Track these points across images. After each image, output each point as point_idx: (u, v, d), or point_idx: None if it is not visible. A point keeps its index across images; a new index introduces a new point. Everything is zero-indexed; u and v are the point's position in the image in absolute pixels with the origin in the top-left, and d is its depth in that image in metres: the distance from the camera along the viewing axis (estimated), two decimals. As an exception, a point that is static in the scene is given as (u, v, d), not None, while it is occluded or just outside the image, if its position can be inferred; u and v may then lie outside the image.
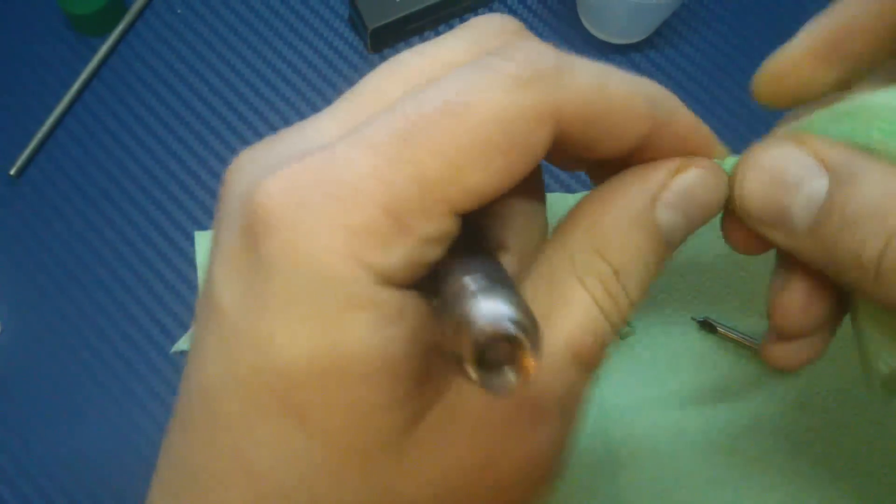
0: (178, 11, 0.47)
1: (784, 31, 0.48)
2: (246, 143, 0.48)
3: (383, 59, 0.48)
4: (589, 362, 0.20)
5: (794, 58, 0.24)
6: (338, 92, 0.49)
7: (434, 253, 0.18)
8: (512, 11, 0.48)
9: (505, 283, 0.17)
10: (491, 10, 0.48)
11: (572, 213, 0.21)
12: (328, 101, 0.49)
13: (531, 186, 0.22)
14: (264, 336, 0.17)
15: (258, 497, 0.18)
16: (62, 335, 0.41)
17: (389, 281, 0.18)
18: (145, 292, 0.42)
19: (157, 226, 0.43)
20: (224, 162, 0.45)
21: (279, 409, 0.17)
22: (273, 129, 0.45)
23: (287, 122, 0.45)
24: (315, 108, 0.46)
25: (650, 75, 0.48)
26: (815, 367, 0.39)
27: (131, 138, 0.45)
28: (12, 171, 0.43)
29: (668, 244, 0.21)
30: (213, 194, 0.44)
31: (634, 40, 0.47)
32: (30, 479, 0.39)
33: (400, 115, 0.18)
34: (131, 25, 0.47)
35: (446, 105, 0.17)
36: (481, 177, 0.18)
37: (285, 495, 0.18)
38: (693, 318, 0.41)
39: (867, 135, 0.19)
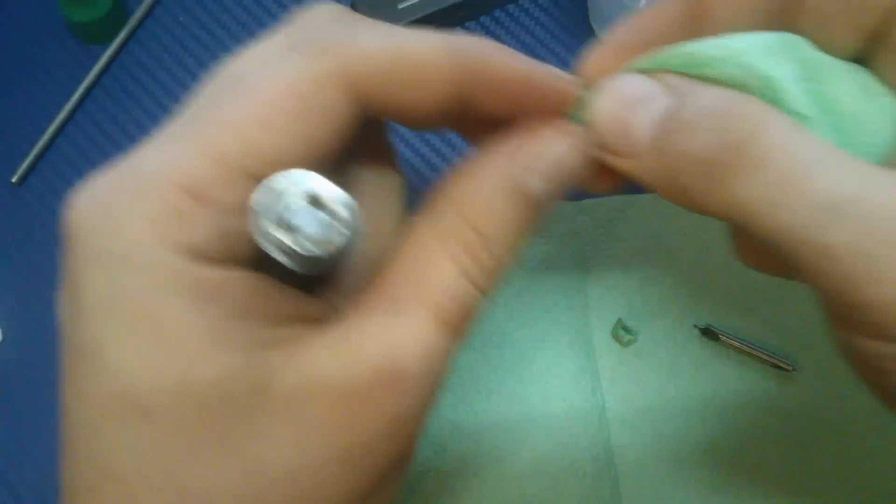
0: (180, 19, 0.47)
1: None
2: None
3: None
4: (454, 327, 0.20)
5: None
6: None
7: (243, 221, 0.19)
8: (517, 19, 0.48)
9: None
10: (494, 18, 0.48)
11: (441, 187, 0.22)
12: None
13: (377, 154, 0.24)
14: (89, 343, 0.18)
15: (131, 498, 0.18)
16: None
17: (203, 257, 0.18)
18: (146, 300, 0.42)
19: (159, 233, 0.43)
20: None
21: (121, 409, 0.18)
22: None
23: (288, 130, 0.46)
24: (316, 116, 0.46)
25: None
26: (817, 375, 0.39)
27: (132, 145, 0.45)
28: (14, 179, 0.43)
29: (535, 207, 0.22)
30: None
31: (636, 48, 0.47)
32: (31, 486, 0.39)
33: (193, 103, 0.20)
34: (133, 33, 0.47)
35: (232, 82, 0.19)
36: (277, 142, 0.19)
37: (155, 490, 0.18)
38: (695, 326, 0.40)
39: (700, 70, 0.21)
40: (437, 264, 0.20)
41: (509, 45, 0.47)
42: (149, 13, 0.47)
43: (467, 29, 0.48)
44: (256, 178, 0.18)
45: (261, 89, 0.19)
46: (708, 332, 0.40)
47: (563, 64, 0.47)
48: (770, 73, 0.21)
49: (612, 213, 0.43)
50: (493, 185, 0.21)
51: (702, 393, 0.40)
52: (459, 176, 0.22)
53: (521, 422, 0.39)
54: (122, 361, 0.18)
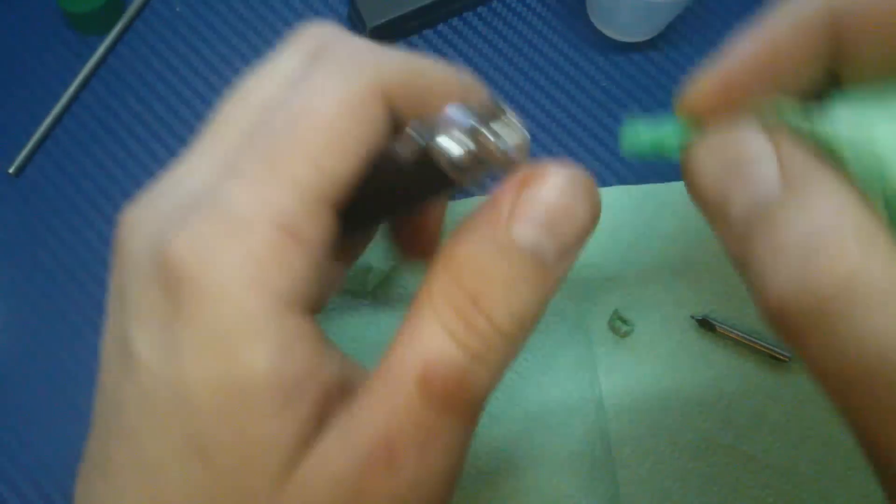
0: (177, 10, 0.47)
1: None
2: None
3: (382, 57, 0.48)
4: (447, 403, 0.18)
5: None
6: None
7: (324, 259, 0.19)
8: (515, 10, 0.48)
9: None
10: (491, 9, 0.48)
11: (440, 248, 0.20)
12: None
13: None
14: (177, 378, 0.18)
15: None
16: (61, 334, 0.41)
17: (292, 301, 0.19)
18: (144, 291, 0.42)
19: (157, 224, 0.43)
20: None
21: (189, 448, 0.18)
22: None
23: (286, 121, 0.46)
24: (314, 107, 0.46)
25: (652, 75, 0.48)
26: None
27: (130, 137, 0.45)
28: (11, 170, 0.43)
29: (543, 264, 0.19)
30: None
31: (641, 39, 0.47)
32: (29, 479, 0.39)
33: (260, 139, 0.19)
34: (130, 24, 0.47)
35: (294, 116, 0.19)
36: (342, 162, 0.19)
37: None
38: (692, 317, 0.41)
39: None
40: (425, 330, 0.19)
41: (507, 35, 0.48)
42: (146, 4, 0.47)
43: (465, 20, 0.48)
44: (334, 205, 0.19)
45: (319, 113, 0.19)
46: (704, 323, 0.40)
47: (561, 54, 0.47)
48: None
49: (609, 202, 0.43)
50: (483, 241, 0.19)
51: (699, 383, 0.40)
52: (456, 234, 0.20)
53: (519, 413, 0.39)
54: (199, 402, 0.18)
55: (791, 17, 0.18)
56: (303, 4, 0.48)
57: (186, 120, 0.45)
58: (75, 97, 0.45)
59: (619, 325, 0.40)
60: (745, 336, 0.39)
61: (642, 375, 0.40)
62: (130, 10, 0.46)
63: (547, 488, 0.38)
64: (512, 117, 0.20)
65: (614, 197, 0.44)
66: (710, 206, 0.19)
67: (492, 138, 0.19)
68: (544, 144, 0.46)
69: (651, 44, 0.48)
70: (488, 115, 0.20)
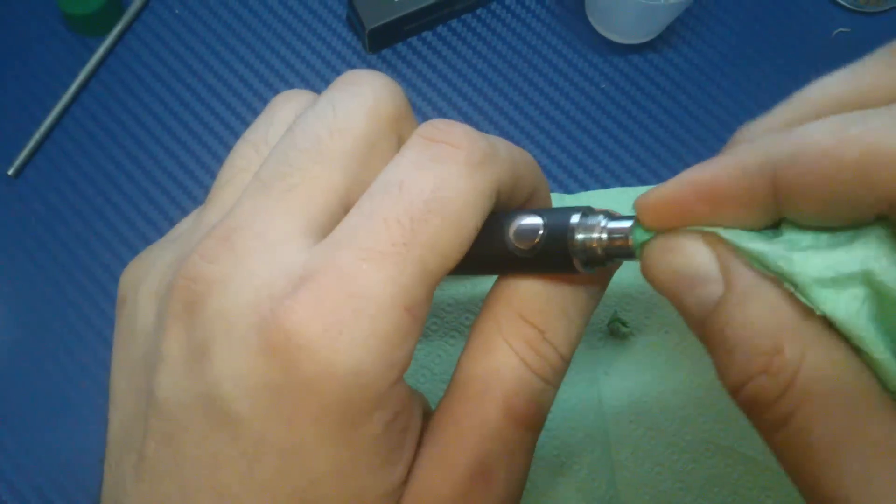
0: (176, 12, 0.47)
1: (786, 37, 0.48)
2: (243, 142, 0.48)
3: (381, 59, 0.48)
4: (527, 422, 0.22)
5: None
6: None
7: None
8: (514, 12, 0.48)
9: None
10: (490, 10, 0.48)
11: (495, 286, 0.23)
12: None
13: None
14: (295, 446, 0.19)
15: None
16: (60, 335, 0.41)
17: (404, 368, 0.20)
18: (143, 293, 0.42)
19: (155, 226, 0.43)
20: (221, 162, 0.45)
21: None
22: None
23: (285, 123, 0.46)
24: (313, 109, 0.46)
25: (651, 77, 0.48)
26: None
27: (129, 139, 0.45)
28: (10, 172, 0.43)
29: (595, 297, 0.24)
30: (212, 195, 0.44)
31: (639, 41, 0.48)
32: (28, 480, 0.39)
33: (392, 220, 0.20)
34: (129, 26, 0.47)
35: (428, 205, 0.20)
36: (459, 253, 0.21)
37: None
38: (691, 319, 0.41)
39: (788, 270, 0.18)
40: (502, 361, 0.22)
41: (506, 37, 0.48)
42: (145, 6, 0.47)
43: (464, 22, 0.48)
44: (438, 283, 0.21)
45: (453, 209, 0.20)
46: (704, 325, 0.40)
47: (560, 56, 0.47)
48: (829, 309, 0.17)
49: (607, 203, 0.43)
50: (546, 280, 0.22)
51: (698, 384, 0.40)
52: (517, 274, 0.23)
53: (518, 414, 0.39)
54: (317, 473, 0.19)
55: (734, 165, 0.19)
56: (301, 6, 0.48)
57: (185, 121, 0.45)
58: (74, 99, 0.45)
59: (619, 328, 0.40)
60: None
61: (641, 377, 0.40)
62: (129, 12, 0.46)
63: (546, 490, 0.38)
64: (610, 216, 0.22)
65: (613, 198, 0.44)
66: (666, 296, 0.21)
67: (623, 234, 0.21)
68: (543, 146, 0.46)
69: (650, 46, 0.48)
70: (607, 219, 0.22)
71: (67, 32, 0.47)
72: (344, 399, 0.19)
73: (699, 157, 0.46)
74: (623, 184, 0.45)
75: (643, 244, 0.21)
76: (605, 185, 0.45)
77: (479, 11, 0.48)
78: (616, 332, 0.40)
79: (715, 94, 0.47)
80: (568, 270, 0.22)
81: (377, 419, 0.19)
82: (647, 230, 0.21)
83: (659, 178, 0.45)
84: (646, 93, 0.47)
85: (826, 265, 0.18)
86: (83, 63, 0.46)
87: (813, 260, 0.18)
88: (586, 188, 0.45)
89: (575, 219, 0.21)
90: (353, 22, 0.47)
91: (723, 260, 0.20)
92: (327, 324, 0.19)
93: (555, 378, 0.23)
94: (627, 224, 0.21)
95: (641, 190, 0.43)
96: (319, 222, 0.21)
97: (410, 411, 0.21)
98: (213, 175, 0.44)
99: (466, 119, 0.46)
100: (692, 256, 0.20)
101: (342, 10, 0.48)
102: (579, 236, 0.21)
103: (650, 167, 0.45)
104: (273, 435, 0.19)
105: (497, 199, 0.22)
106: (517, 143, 0.46)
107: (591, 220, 0.21)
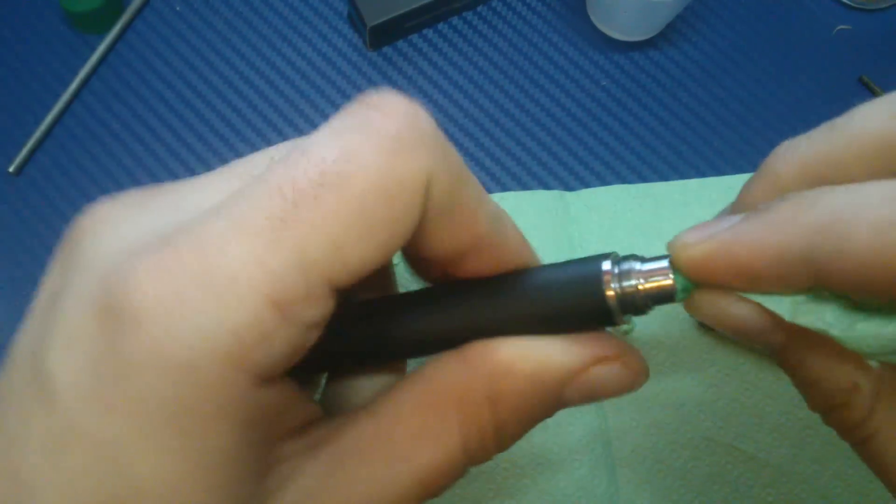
0: (177, 9, 0.47)
1: (787, 34, 0.48)
2: (244, 140, 0.48)
3: (382, 56, 0.48)
4: (431, 495, 0.19)
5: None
6: (337, 89, 0.49)
7: (313, 337, 0.17)
8: (515, 9, 0.48)
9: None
10: (491, 7, 0.48)
11: (485, 347, 0.20)
12: (327, 99, 0.49)
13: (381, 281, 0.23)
14: (110, 440, 0.16)
15: None
16: (61, 333, 0.41)
17: (266, 378, 0.17)
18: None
19: (157, 223, 0.43)
20: (223, 159, 0.45)
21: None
22: (271, 126, 0.45)
23: (286, 120, 0.46)
24: (314, 106, 0.46)
25: (652, 74, 0.48)
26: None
27: (130, 136, 0.45)
28: (11, 169, 0.43)
29: (559, 409, 0.21)
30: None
31: (641, 38, 0.47)
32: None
33: (275, 189, 0.16)
34: (130, 23, 0.47)
35: (323, 176, 0.16)
36: (363, 251, 0.17)
37: None
38: (691, 315, 0.41)
39: None
40: (446, 438, 0.19)
41: (507, 34, 0.48)
42: (146, 3, 0.47)
43: (465, 19, 0.48)
44: (336, 286, 0.17)
45: (354, 187, 0.16)
46: (704, 323, 0.40)
47: (561, 53, 0.47)
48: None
49: (608, 201, 0.43)
50: (536, 391, 0.20)
51: (699, 381, 0.40)
52: (513, 348, 0.20)
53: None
54: (141, 477, 0.16)
55: (774, 249, 0.18)
56: (302, 3, 0.48)
57: (186, 119, 0.45)
58: (75, 96, 0.45)
59: (621, 326, 0.40)
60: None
61: (642, 374, 0.40)
62: (131, 9, 0.46)
63: (547, 487, 0.38)
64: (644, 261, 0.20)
65: (614, 196, 0.44)
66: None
67: (667, 279, 0.20)
68: (543, 143, 0.46)
69: (651, 43, 0.48)
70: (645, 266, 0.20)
71: (69, 30, 0.47)
72: (171, 395, 0.15)
73: (700, 154, 0.46)
74: (624, 181, 0.45)
75: (686, 292, 0.20)
76: (605, 183, 0.45)
77: (480, 9, 0.48)
78: (616, 328, 0.40)
79: (716, 91, 0.47)
80: (604, 323, 0.20)
81: (223, 430, 0.16)
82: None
83: (660, 175, 0.45)
84: (647, 90, 0.47)
85: (877, 341, 0.19)
86: (84, 60, 0.46)
87: (866, 333, 0.19)
88: (587, 185, 0.45)
89: (606, 265, 0.19)
90: (354, 19, 0.47)
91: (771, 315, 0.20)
92: (166, 296, 0.15)
93: (479, 464, 0.20)
94: (664, 263, 0.20)
95: (642, 187, 0.43)
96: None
97: (273, 427, 0.18)
98: (211, 171, 0.44)
99: (467, 116, 0.46)
100: (740, 311, 0.20)
101: (343, 7, 0.48)
102: (615, 284, 0.19)
103: (651, 164, 0.45)
104: (87, 421, 0.16)
105: (426, 197, 0.17)
106: (518, 139, 0.46)
107: (624, 266, 0.20)
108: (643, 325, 0.40)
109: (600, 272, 0.19)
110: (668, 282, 0.20)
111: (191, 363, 0.15)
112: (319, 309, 0.17)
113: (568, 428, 0.39)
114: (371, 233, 0.16)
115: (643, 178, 0.45)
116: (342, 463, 0.19)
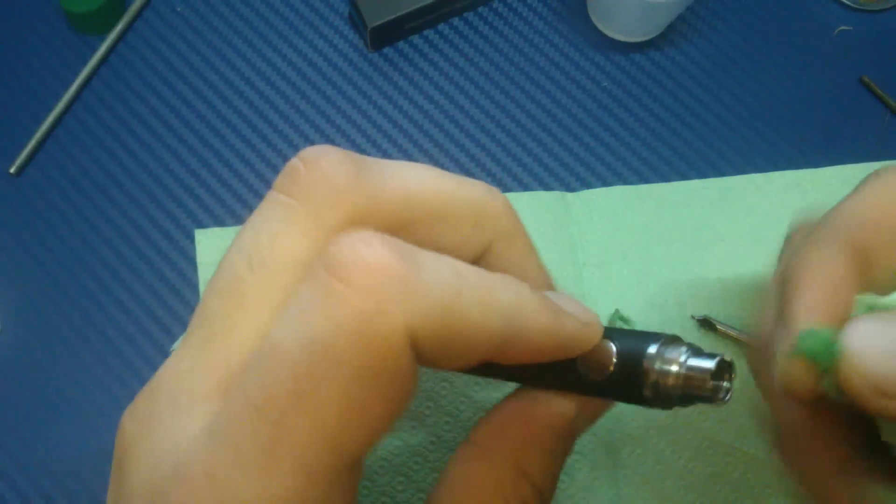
0: (178, 10, 0.47)
1: (788, 35, 0.48)
2: (245, 141, 0.48)
3: (383, 57, 0.48)
4: None
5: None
6: (338, 90, 0.49)
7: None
8: (516, 10, 0.48)
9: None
10: (493, 9, 0.48)
11: (491, 428, 0.22)
12: (328, 100, 0.49)
13: None
14: None
15: None
16: (62, 334, 0.41)
17: None
18: (146, 291, 0.42)
19: (158, 224, 0.43)
20: (224, 161, 0.45)
21: None
22: (273, 127, 0.45)
23: (286, 120, 0.46)
24: (315, 107, 0.46)
25: (653, 75, 0.48)
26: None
27: (131, 137, 0.45)
28: (12, 170, 0.43)
29: (576, 440, 0.23)
30: (214, 193, 0.44)
31: (642, 39, 0.47)
32: (30, 478, 0.39)
33: (256, 412, 0.16)
34: (131, 24, 0.47)
35: (297, 383, 0.16)
36: (364, 432, 0.17)
37: None
38: (692, 317, 0.41)
39: None
40: (484, 496, 0.21)
41: (508, 35, 0.48)
42: (147, 4, 0.47)
43: (466, 20, 0.48)
44: (349, 464, 0.17)
45: (331, 381, 0.16)
46: (706, 323, 0.40)
47: (562, 54, 0.47)
48: None
49: (609, 202, 0.43)
50: (554, 439, 0.22)
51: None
52: (515, 424, 0.22)
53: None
54: None
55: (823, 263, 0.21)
56: (303, 4, 0.48)
57: (187, 119, 0.45)
58: (76, 97, 0.45)
59: (621, 325, 0.40)
60: (746, 335, 0.39)
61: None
62: (131, 10, 0.46)
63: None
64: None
65: (615, 196, 0.44)
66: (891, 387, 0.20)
67: (712, 381, 0.19)
68: (545, 144, 0.46)
69: (652, 44, 0.48)
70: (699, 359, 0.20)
71: (69, 30, 0.46)
72: None
73: (701, 155, 0.46)
74: (625, 181, 0.45)
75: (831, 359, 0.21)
76: (606, 183, 0.45)
77: (480, 9, 0.48)
78: (618, 330, 0.40)
79: (717, 92, 0.47)
80: (635, 402, 0.20)
81: None
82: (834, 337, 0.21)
83: (661, 176, 0.45)
84: (648, 91, 0.47)
85: None
86: (85, 61, 0.45)
87: None
88: (588, 186, 0.45)
89: (653, 349, 0.19)
90: (355, 20, 0.47)
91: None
92: None
93: None
94: (710, 364, 0.19)
95: (644, 188, 0.43)
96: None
97: None
98: (212, 172, 0.44)
99: (468, 117, 0.46)
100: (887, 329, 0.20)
101: (344, 8, 0.48)
102: (656, 367, 0.19)
103: (652, 165, 0.45)
104: None
105: (419, 346, 0.17)
106: (519, 140, 0.46)
107: (670, 353, 0.19)
108: (643, 326, 0.40)
109: (643, 352, 0.19)
110: (708, 379, 0.19)
111: None
112: (344, 493, 0.17)
113: (569, 429, 0.39)
114: (365, 415, 0.16)
115: (644, 179, 0.45)
116: None
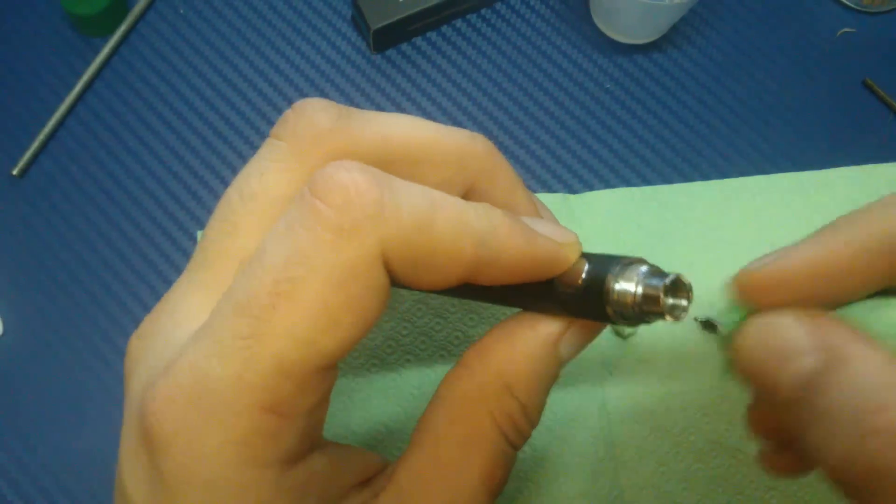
0: (181, 11, 0.47)
1: (790, 37, 0.48)
2: (247, 142, 0.48)
3: (386, 59, 0.48)
4: (498, 489, 0.22)
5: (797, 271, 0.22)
6: (341, 92, 0.49)
7: (323, 409, 0.20)
8: (518, 12, 0.48)
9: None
10: (495, 10, 0.48)
11: (478, 349, 0.23)
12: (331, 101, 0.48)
13: None
14: None
15: None
16: (64, 335, 0.41)
17: (291, 461, 0.19)
18: (148, 292, 0.42)
19: (160, 225, 0.43)
20: (226, 162, 0.45)
21: None
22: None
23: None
24: (317, 109, 0.46)
25: (655, 77, 0.48)
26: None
27: (134, 138, 0.45)
28: (15, 171, 0.44)
29: (562, 367, 0.23)
30: (217, 194, 0.44)
31: (644, 41, 0.47)
32: (32, 479, 0.39)
33: (240, 308, 0.18)
34: (134, 26, 0.47)
35: (277, 286, 0.18)
36: (337, 337, 0.18)
37: None
38: (695, 318, 0.40)
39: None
40: (486, 434, 0.22)
41: (510, 37, 0.48)
42: (149, 5, 0.47)
43: (468, 22, 0.48)
44: (322, 368, 0.19)
45: (307, 289, 0.18)
46: (708, 325, 0.40)
47: (564, 56, 0.47)
48: None
49: (612, 204, 0.43)
50: (540, 356, 0.22)
51: (702, 385, 0.40)
52: (501, 342, 0.22)
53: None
54: None
55: (853, 244, 0.20)
56: (305, 6, 0.48)
57: (190, 121, 0.45)
58: (79, 99, 0.45)
59: (622, 328, 0.40)
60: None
61: (645, 377, 0.40)
62: (134, 12, 0.47)
63: (550, 491, 0.38)
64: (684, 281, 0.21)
65: (617, 198, 0.43)
66: (757, 376, 0.21)
67: (668, 302, 0.21)
68: (547, 146, 0.46)
69: (654, 46, 0.48)
70: (672, 286, 0.21)
71: (72, 32, 0.47)
72: (209, 501, 0.18)
73: (704, 157, 0.46)
74: (627, 184, 0.45)
75: (735, 326, 0.21)
76: (609, 185, 0.45)
77: (483, 12, 0.48)
78: (620, 331, 0.40)
79: (719, 94, 0.47)
80: (602, 319, 0.21)
81: None
82: (743, 309, 0.21)
83: (663, 178, 0.45)
84: (650, 93, 0.47)
85: None
86: (88, 63, 0.46)
87: None
88: (591, 188, 0.45)
89: (616, 268, 0.21)
90: (358, 22, 0.47)
91: (822, 331, 0.19)
92: (179, 426, 0.18)
93: (524, 444, 0.23)
94: (665, 282, 0.20)
95: (646, 190, 0.43)
96: None
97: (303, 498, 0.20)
98: (215, 174, 0.44)
99: (470, 119, 0.46)
100: (788, 331, 0.20)
101: (347, 10, 0.48)
102: (617, 285, 0.20)
103: (655, 167, 0.45)
104: None
105: (390, 267, 0.19)
106: (521, 142, 0.46)
107: (630, 272, 0.21)
108: (646, 328, 0.40)
109: (608, 271, 0.21)
110: (659, 295, 0.20)
111: (215, 475, 0.18)
112: (315, 394, 0.19)
113: (571, 431, 0.39)
114: (338, 321, 0.18)
115: (647, 181, 0.45)
116: (402, 499, 0.21)
